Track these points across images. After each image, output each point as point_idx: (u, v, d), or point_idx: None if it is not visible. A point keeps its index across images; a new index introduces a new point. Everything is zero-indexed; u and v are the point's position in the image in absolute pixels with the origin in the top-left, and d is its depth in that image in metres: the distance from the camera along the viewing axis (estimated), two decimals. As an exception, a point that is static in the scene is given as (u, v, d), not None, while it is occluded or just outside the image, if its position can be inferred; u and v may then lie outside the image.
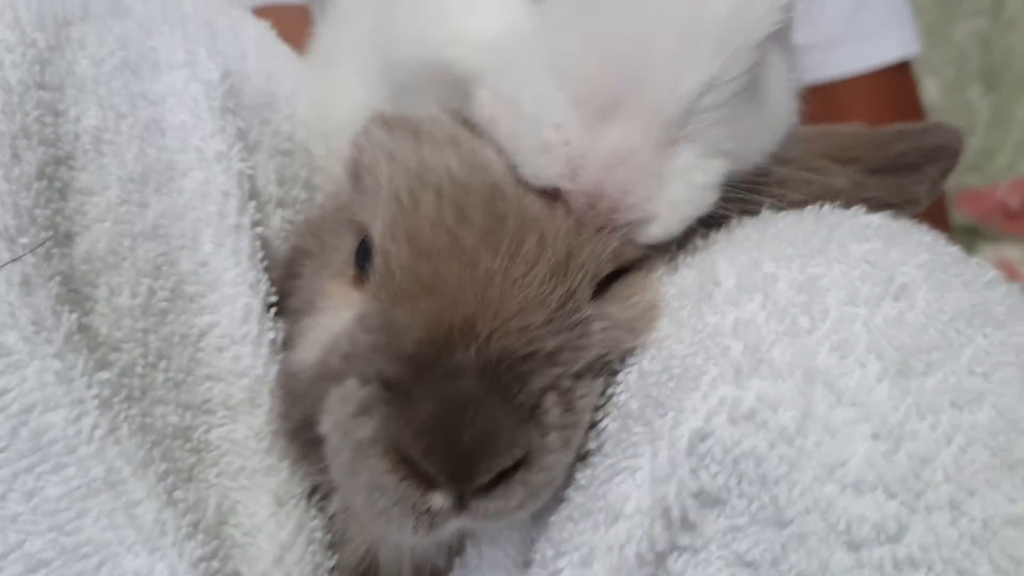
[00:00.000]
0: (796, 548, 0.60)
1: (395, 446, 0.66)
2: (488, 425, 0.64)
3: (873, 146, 0.85)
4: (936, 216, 2.12)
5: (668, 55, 0.71)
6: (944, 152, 0.85)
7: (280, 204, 0.94)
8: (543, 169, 0.72)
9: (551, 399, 0.68)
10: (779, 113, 0.82)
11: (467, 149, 0.75)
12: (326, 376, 0.74)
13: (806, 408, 0.61)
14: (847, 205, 0.80)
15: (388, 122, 0.80)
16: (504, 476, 0.66)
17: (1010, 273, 2.56)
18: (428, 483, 0.67)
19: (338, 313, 0.77)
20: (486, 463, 0.65)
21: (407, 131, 0.77)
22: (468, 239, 0.69)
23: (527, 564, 0.75)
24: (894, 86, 2.02)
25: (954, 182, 2.80)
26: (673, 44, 0.71)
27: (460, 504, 0.67)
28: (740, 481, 0.62)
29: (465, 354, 0.66)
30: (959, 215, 2.83)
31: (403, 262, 0.71)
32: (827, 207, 0.77)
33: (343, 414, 0.70)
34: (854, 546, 0.58)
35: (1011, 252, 2.61)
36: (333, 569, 0.86)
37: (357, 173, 0.81)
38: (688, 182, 0.74)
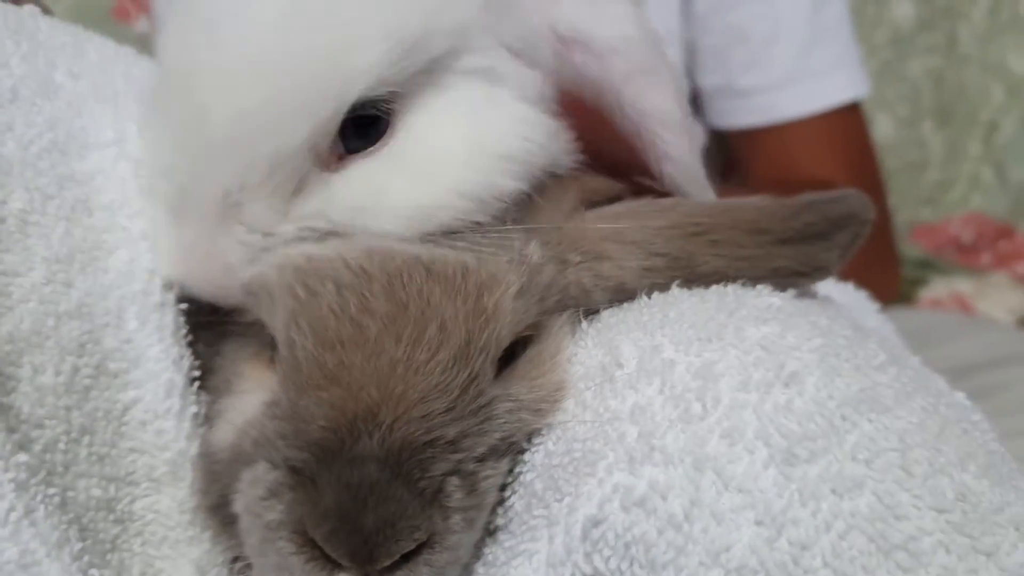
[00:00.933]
0: None
1: (301, 529, 0.68)
2: (390, 510, 0.66)
3: (781, 217, 0.86)
4: (884, 252, 2.15)
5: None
6: (852, 220, 0.86)
7: None
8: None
9: (453, 483, 0.69)
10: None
11: (363, 243, 0.77)
12: (239, 459, 0.76)
13: (694, 495, 0.64)
14: (755, 274, 0.82)
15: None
16: (408, 558, 0.69)
17: (962, 306, 2.60)
18: (333, 566, 0.69)
19: (252, 396, 0.80)
20: (387, 547, 0.66)
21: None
22: (371, 328, 0.70)
23: None
24: (845, 127, 2.06)
25: (908, 216, 2.85)
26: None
27: None
28: (632, 565, 0.64)
29: (368, 442, 0.67)
30: (913, 248, 2.88)
31: (308, 353, 0.72)
32: (731, 288, 0.78)
33: (253, 496, 0.73)
34: None
35: (963, 285, 2.65)
36: (253, 637, 0.88)
37: (252, 292, 0.81)
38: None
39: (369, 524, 0.66)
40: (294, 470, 0.69)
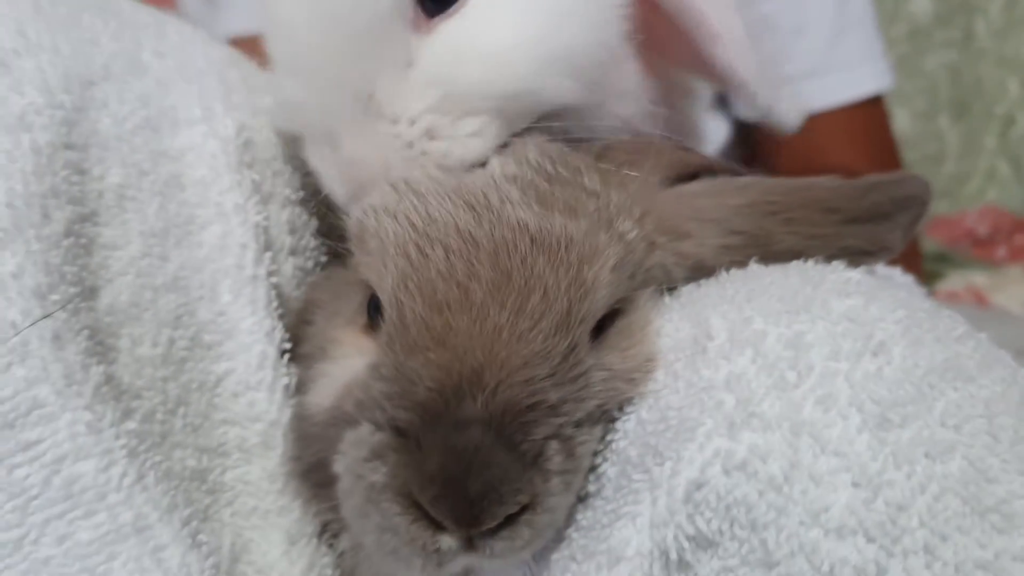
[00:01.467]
0: None
1: (406, 491, 0.69)
2: (494, 474, 0.67)
3: (851, 197, 0.88)
4: (909, 249, 2.17)
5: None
6: (914, 201, 0.89)
7: (292, 252, 0.96)
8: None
9: (553, 447, 0.71)
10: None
11: (473, 202, 0.78)
12: (340, 421, 0.78)
13: (793, 458, 0.65)
14: (826, 252, 0.85)
15: (393, 185, 0.83)
16: (510, 519, 0.69)
17: (978, 299, 2.61)
18: (437, 527, 0.70)
19: (350, 360, 0.81)
20: (492, 510, 0.68)
21: (410, 191, 0.81)
22: (477, 293, 0.72)
23: None
24: (869, 119, 2.06)
25: (924, 209, 2.86)
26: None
27: (468, 545, 0.71)
28: (732, 526, 0.66)
29: (473, 405, 0.69)
30: (929, 242, 2.89)
31: (416, 314, 0.74)
32: (810, 263, 0.80)
33: (356, 457, 0.74)
34: None
35: (979, 278, 2.66)
36: (342, 606, 0.89)
37: (361, 236, 0.83)
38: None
39: (474, 489, 0.67)
40: (399, 431, 0.70)
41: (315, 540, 0.86)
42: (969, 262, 2.86)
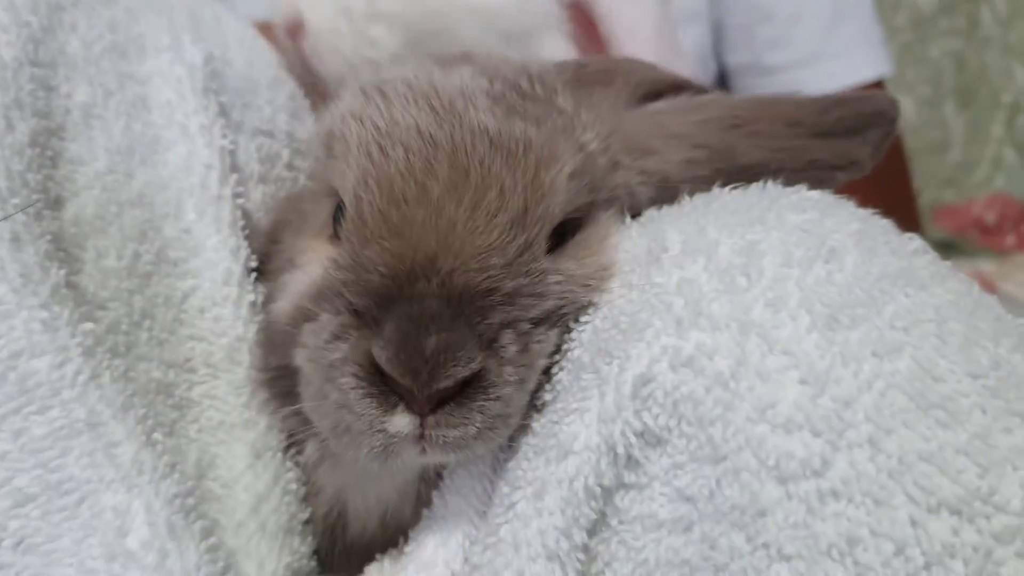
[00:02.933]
0: (730, 482, 0.64)
1: (364, 361, 0.70)
2: (450, 338, 0.69)
3: (814, 111, 0.90)
4: (907, 214, 2.17)
5: None
6: (882, 118, 0.90)
7: (262, 180, 0.98)
8: None
9: (508, 336, 0.72)
10: None
11: (438, 106, 0.79)
12: (301, 317, 0.79)
13: (740, 356, 0.66)
14: (793, 166, 0.87)
15: (363, 89, 0.85)
16: (462, 402, 0.71)
17: (986, 287, 2.59)
18: (391, 404, 0.72)
19: (314, 266, 0.82)
20: (446, 369, 0.69)
21: (378, 94, 0.82)
22: (434, 189, 0.73)
23: (485, 514, 0.79)
24: None
25: (930, 197, 2.84)
26: None
27: (420, 430, 0.72)
28: (680, 422, 0.67)
29: (427, 285, 0.70)
30: (935, 230, 2.87)
31: (374, 208, 0.75)
32: (771, 184, 0.81)
33: (317, 343, 0.75)
34: (782, 480, 0.63)
35: (987, 266, 2.64)
36: (307, 521, 0.90)
37: (330, 143, 0.85)
38: None
39: (430, 345, 0.68)
40: (357, 314, 0.72)
41: (280, 454, 0.88)
42: (977, 250, 2.84)
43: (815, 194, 0.79)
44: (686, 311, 0.70)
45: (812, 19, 2.00)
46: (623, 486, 0.70)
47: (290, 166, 1.03)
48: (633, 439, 0.68)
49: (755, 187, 0.81)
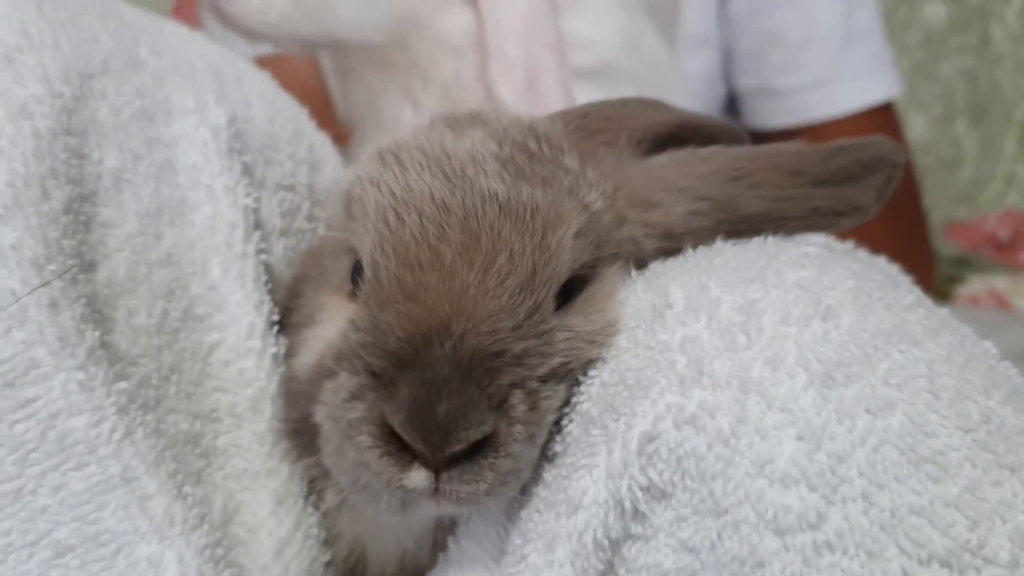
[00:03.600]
0: (731, 534, 0.66)
1: (380, 423, 0.72)
2: (461, 403, 0.70)
3: (816, 160, 0.90)
4: (920, 250, 2.18)
5: None
6: (883, 163, 0.91)
7: (283, 234, 1.00)
8: None
9: (518, 396, 0.73)
10: None
11: (450, 173, 0.81)
12: (321, 374, 0.79)
13: (740, 414, 0.67)
14: (795, 215, 0.88)
15: (380, 154, 0.87)
16: (474, 459, 0.72)
17: (1000, 303, 2.60)
18: (406, 462, 0.73)
19: (334, 323, 0.85)
20: (457, 433, 0.70)
21: (394, 160, 0.85)
22: (447, 254, 0.75)
23: (499, 559, 0.81)
24: (878, 126, 2.06)
25: (942, 214, 2.85)
26: None
27: (435, 484, 0.72)
28: (683, 477, 0.68)
29: (441, 350, 0.71)
30: (948, 246, 2.88)
31: (390, 273, 0.76)
32: (771, 239, 0.82)
33: (335, 402, 0.77)
34: (780, 532, 0.64)
35: (1001, 282, 2.65)
36: (328, 564, 0.92)
37: (349, 204, 0.88)
38: None
39: (442, 411, 0.69)
40: (374, 375, 0.73)
41: (302, 500, 0.89)
42: (990, 266, 2.85)
43: (813, 249, 0.80)
44: (689, 369, 0.71)
45: (822, 43, 2.01)
46: (630, 537, 0.71)
47: (310, 217, 1.04)
48: (639, 493, 0.70)
49: (756, 242, 0.82)
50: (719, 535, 0.67)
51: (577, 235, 0.79)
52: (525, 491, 0.78)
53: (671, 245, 0.89)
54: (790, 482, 0.64)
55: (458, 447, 0.70)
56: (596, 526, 0.70)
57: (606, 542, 0.70)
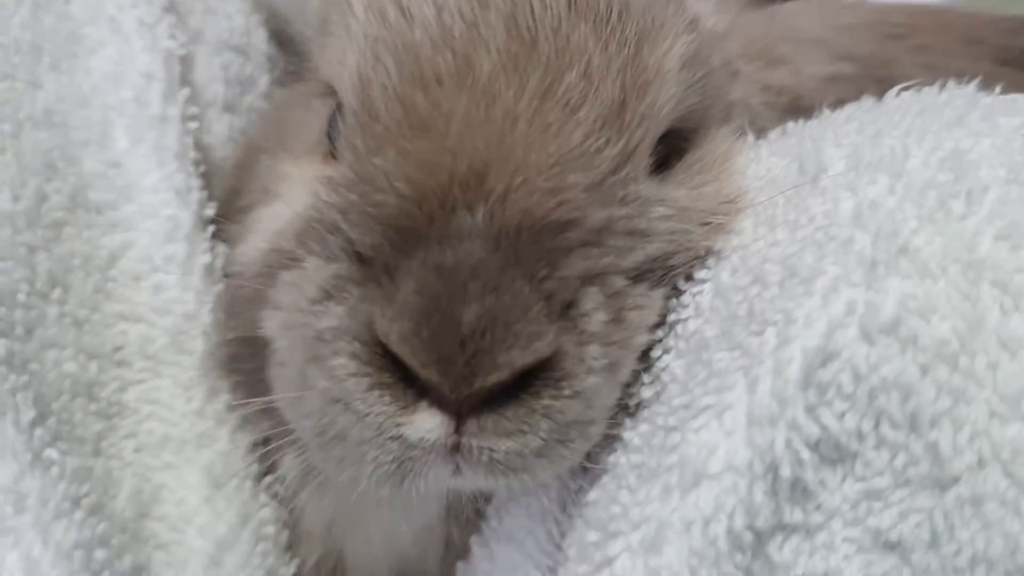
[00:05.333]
0: (968, 520, 0.47)
1: (366, 338, 0.51)
2: (501, 304, 0.49)
3: (1000, 30, 0.74)
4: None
5: None
6: None
7: (229, 109, 0.81)
8: None
9: (594, 297, 0.53)
10: None
11: None
12: (276, 263, 0.58)
13: (971, 315, 0.49)
14: None
15: None
16: (519, 398, 0.51)
17: None
18: (409, 398, 0.50)
19: (301, 192, 0.61)
20: (494, 355, 0.49)
21: None
22: (483, 65, 0.54)
23: (554, 570, 0.61)
24: None
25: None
26: None
27: (455, 436, 0.50)
28: (879, 424, 0.49)
29: (468, 217, 0.51)
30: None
31: (389, 92, 0.54)
32: (950, 85, 0.64)
33: (297, 301, 0.54)
34: None
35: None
36: (293, 577, 0.72)
37: (324, 16, 0.65)
38: None
39: (469, 317, 0.49)
40: (361, 259, 0.52)
41: (249, 482, 0.70)
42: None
43: (1021, 96, 0.62)
44: (877, 249, 0.51)
45: None
46: (782, 528, 0.51)
47: (269, 96, 0.85)
48: (805, 452, 0.49)
49: (934, 89, 0.64)
50: (947, 521, 0.48)
51: (685, 62, 0.60)
52: (593, 460, 0.58)
53: (796, 119, 0.69)
54: None
55: (495, 378, 0.50)
56: (733, 508, 0.50)
57: (748, 535, 0.50)
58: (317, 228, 0.54)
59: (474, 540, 0.65)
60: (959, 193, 0.52)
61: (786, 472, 0.49)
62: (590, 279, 0.53)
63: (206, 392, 0.70)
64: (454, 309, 0.48)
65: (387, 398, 0.50)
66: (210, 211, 0.72)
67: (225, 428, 0.70)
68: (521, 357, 0.49)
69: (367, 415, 0.50)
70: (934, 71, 0.68)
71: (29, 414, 0.60)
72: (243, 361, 0.63)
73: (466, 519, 0.65)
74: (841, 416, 0.49)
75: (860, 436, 0.49)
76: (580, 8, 0.56)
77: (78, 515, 0.59)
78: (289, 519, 0.72)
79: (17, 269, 0.64)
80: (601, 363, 0.53)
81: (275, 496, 0.72)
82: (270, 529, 0.70)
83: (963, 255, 0.50)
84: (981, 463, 0.47)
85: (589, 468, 0.58)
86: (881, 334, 0.49)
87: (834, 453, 0.50)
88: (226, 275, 0.71)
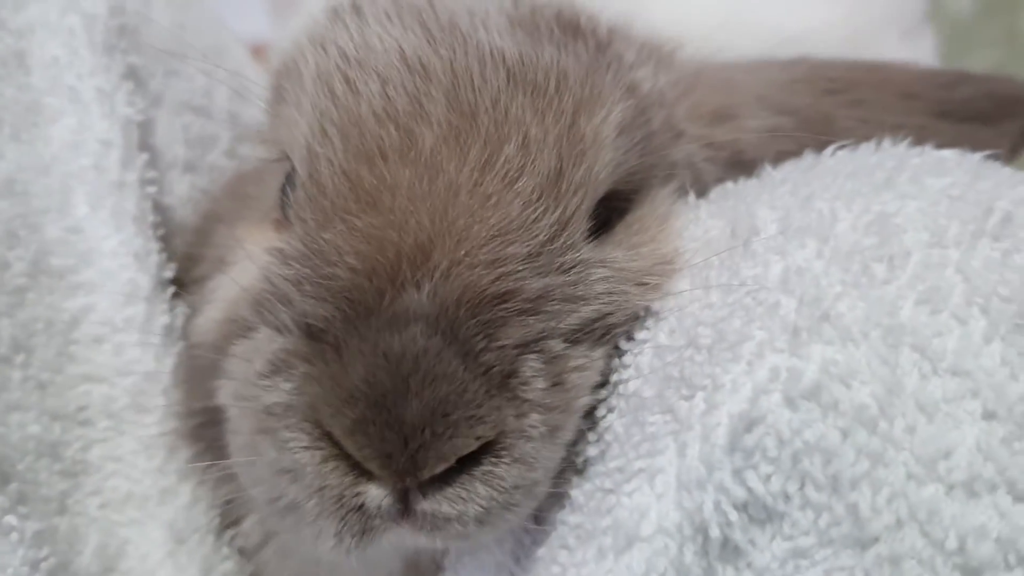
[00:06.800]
0: None
1: (314, 417, 0.51)
2: (442, 390, 0.49)
3: (935, 84, 0.74)
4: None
5: None
6: (1021, 105, 0.75)
7: (189, 169, 0.80)
8: None
9: (532, 365, 0.52)
10: None
11: (433, 26, 0.59)
12: (229, 335, 0.58)
13: (891, 380, 0.49)
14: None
15: (332, 8, 0.65)
16: (464, 468, 0.51)
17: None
18: (358, 472, 0.50)
19: (252, 265, 0.61)
20: (437, 447, 0.49)
21: (351, 11, 0.62)
22: (426, 139, 0.54)
23: None
24: None
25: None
26: None
27: (403, 504, 0.50)
28: (803, 486, 0.49)
29: (415, 295, 0.51)
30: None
31: (336, 167, 0.54)
32: (886, 141, 0.64)
33: (246, 376, 0.54)
34: (972, 572, 0.46)
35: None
36: (259, 632, 0.72)
37: (279, 85, 0.65)
38: None
39: (411, 412, 0.49)
40: (310, 333, 0.52)
41: (211, 537, 0.69)
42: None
43: (950, 153, 0.62)
44: (802, 315, 0.51)
45: None
46: None
47: (231, 154, 0.84)
48: (732, 514, 0.50)
49: (868, 146, 0.64)
50: None
51: (621, 127, 0.60)
52: (542, 517, 0.57)
53: (738, 174, 0.69)
54: (981, 488, 0.47)
55: (436, 468, 0.50)
56: (664, 569, 0.50)
57: None
58: (270, 299, 0.54)
59: None
60: (883, 257, 0.53)
61: (715, 533, 0.49)
62: (528, 346, 0.53)
63: (167, 449, 0.69)
64: (396, 406, 0.49)
65: (341, 471, 0.51)
66: (169, 273, 0.72)
67: (186, 484, 0.69)
68: (463, 445, 0.50)
69: (323, 488, 0.51)
70: (871, 125, 0.70)
71: (6, 487, 0.60)
72: (206, 429, 0.62)
73: (425, 570, 0.64)
74: (767, 479, 0.49)
75: (786, 497, 0.49)
76: (518, 80, 0.56)
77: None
78: (250, 573, 0.70)
79: None
80: (541, 430, 0.53)
81: (236, 549, 0.70)
82: None
83: (884, 320, 0.50)
84: (899, 523, 0.47)
85: (536, 521, 0.58)
86: (803, 399, 0.49)
87: (762, 513, 0.50)
88: (186, 346, 0.69)
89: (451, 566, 0.63)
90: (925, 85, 0.73)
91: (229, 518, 0.69)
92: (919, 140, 0.66)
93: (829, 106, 0.71)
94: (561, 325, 0.54)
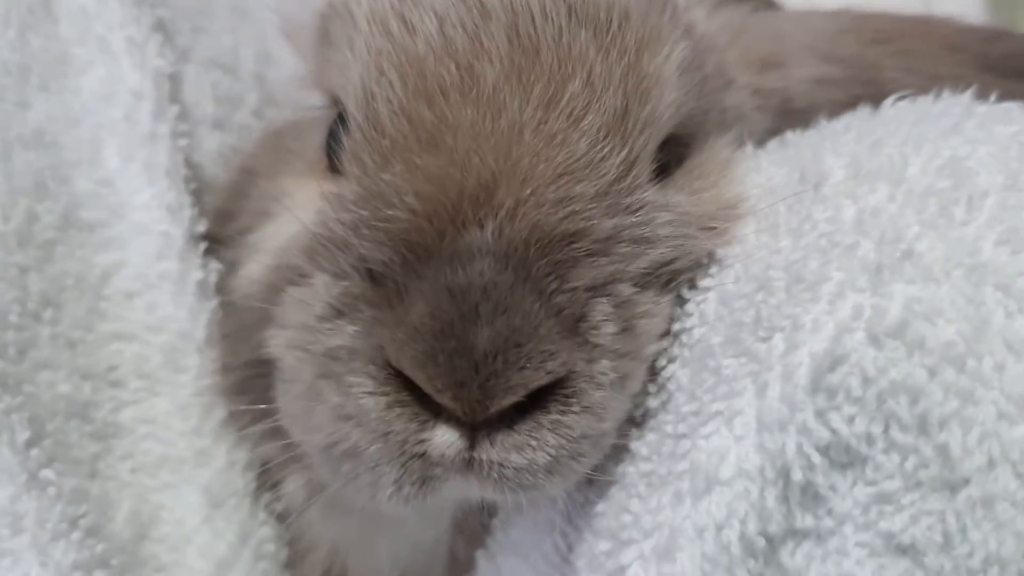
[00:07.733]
0: (980, 521, 0.46)
1: (380, 360, 0.50)
2: (513, 323, 0.48)
3: (979, 38, 0.73)
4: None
5: None
6: None
7: (218, 127, 0.78)
8: None
9: (603, 309, 0.52)
10: None
11: None
12: (282, 281, 0.56)
13: (976, 318, 0.48)
14: None
15: None
16: (531, 414, 0.50)
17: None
18: (427, 414, 0.49)
19: (303, 209, 0.59)
20: (507, 379, 0.48)
21: None
22: (487, 76, 0.53)
23: None
24: None
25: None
26: None
27: (468, 452, 0.49)
28: (888, 427, 0.48)
29: (479, 233, 0.50)
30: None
31: (395, 107, 0.53)
32: (944, 95, 0.63)
33: (305, 320, 0.52)
34: None
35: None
36: (292, 594, 0.70)
37: (325, 28, 0.64)
38: None
39: (483, 341, 0.48)
40: (372, 277, 0.50)
41: (248, 500, 0.68)
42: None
43: (1014, 104, 0.61)
44: (881, 254, 0.50)
45: None
46: (794, 534, 0.49)
47: (259, 114, 0.82)
48: (815, 457, 0.48)
49: (928, 98, 0.63)
50: (959, 522, 0.46)
51: (682, 67, 0.59)
52: (601, 468, 0.56)
53: (787, 122, 0.68)
54: None
55: (510, 399, 0.49)
56: (745, 513, 0.49)
57: (761, 541, 0.49)
58: (327, 244, 0.52)
59: (480, 554, 0.64)
60: (959, 199, 0.52)
61: (797, 477, 0.48)
62: (598, 289, 0.52)
63: (202, 410, 0.68)
64: (467, 333, 0.48)
65: (407, 416, 0.50)
66: (201, 228, 0.70)
67: (222, 445, 0.67)
68: (534, 378, 0.49)
69: (387, 433, 0.50)
70: (917, 75, 0.70)
71: (24, 435, 0.59)
72: (249, 384, 0.61)
73: (472, 533, 0.65)
74: (851, 420, 0.48)
75: (870, 440, 0.48)
76: (580, 17, 0.55)
77: (76, 536, 0.58)
78: (289, 536, 0.69)
79: (9, 290, 0.63)
80: (611, 377, 0.52)
81: (273, 513, 0.68)
82: (270, 547, 0.68)
83: (966, 260, 0.49)
84: (991, 464, 0.46)
85: (595, 480, 0.57)
86: (888, 338, 0.48)
87: (844, 457, 0.48)
88: (226, 301, 0.68)
89: (500, 528, 0.63)
90: (968, 38, 0.73)
91: (267, 480, 0.67)
92: (979, 95, 0.65)
93: (876, 55, 0.70)
94: (630, 268, 0.54)
